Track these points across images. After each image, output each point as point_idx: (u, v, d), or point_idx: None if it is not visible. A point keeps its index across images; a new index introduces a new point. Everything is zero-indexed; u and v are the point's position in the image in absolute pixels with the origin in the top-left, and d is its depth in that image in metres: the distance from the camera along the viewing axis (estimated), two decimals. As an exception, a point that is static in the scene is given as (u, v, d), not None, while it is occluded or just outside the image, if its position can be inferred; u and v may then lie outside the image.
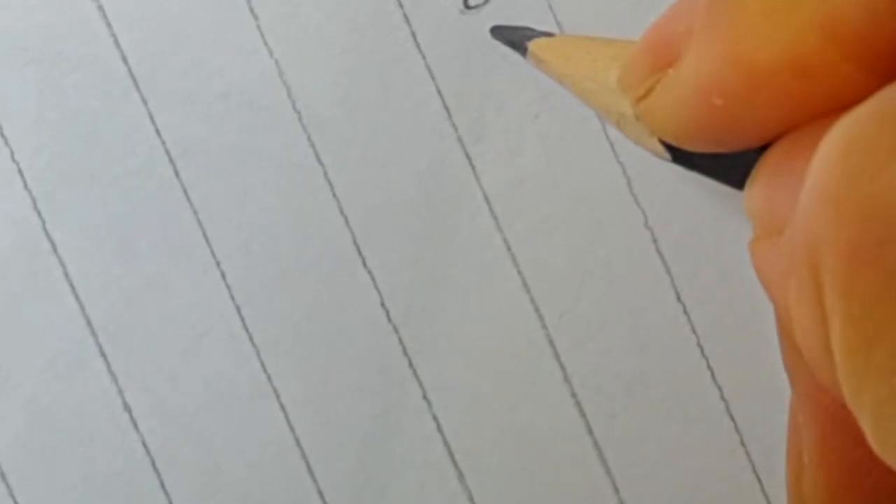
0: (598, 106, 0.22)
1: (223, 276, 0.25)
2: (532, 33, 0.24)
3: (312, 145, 0.25)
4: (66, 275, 0.25)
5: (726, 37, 0.18)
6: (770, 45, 0.17)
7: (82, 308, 0.25)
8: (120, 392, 0.25)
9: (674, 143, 0.20)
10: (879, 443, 0.15)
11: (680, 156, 0.21)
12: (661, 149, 0.21)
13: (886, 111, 0.15)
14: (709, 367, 0.25)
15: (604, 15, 0.24)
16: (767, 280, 0.18)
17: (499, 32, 0.24)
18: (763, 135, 0.18)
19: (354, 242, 0.25)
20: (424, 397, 0.25)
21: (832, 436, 0.19)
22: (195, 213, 0.25)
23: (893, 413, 0.14)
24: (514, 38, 0.24)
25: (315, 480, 0.25)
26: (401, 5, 0.24)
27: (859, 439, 0.15)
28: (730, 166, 0.20)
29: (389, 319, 0.25)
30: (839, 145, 0.15)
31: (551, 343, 0.25)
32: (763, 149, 0.19)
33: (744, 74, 0.17)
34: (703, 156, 0.20)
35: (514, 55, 0.24)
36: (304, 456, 0.25)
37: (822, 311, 0.15)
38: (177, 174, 0.25)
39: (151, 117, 0.24)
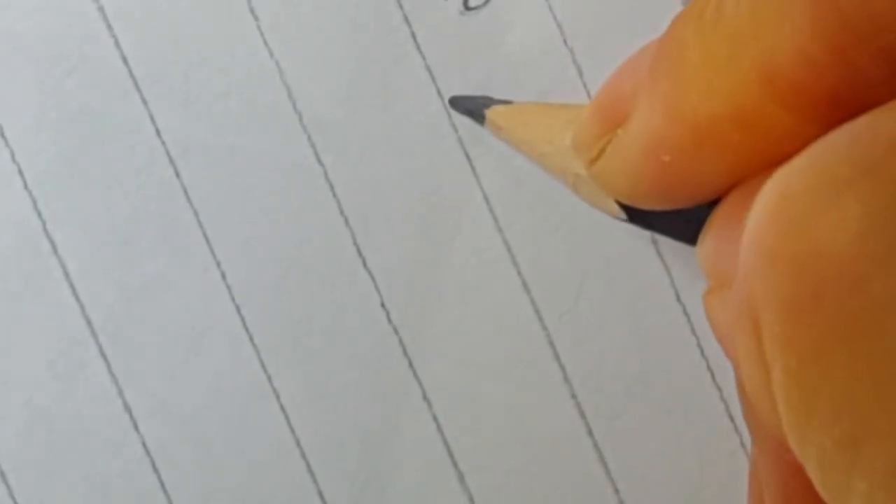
0: (554, 168, 0.23)
1: (223, 276, 0.25)
2: (490, 101, 0.24)
3: (312, 146, 0.25)
4: (67, 275, 0.25)
5: (669, 93, 0.18)
6: (711, 99, 0.17)
7: (82, 308, 0.25)
8: (120, 392, 0.25)
9: (627, 202, 0.20)
10: (827, 492, 0.15)
11: (635, 215, 0.21)
12: (616, 208, 0.21)
13: (818, 164, 0.15)
14: (709, 367, 0.25)
15: (603, 15, 0.24)
16: (719, 333, 0.18)
17: (457, 102, 0.24)
18: (712, 189, 0.18)
19: (354, 242, 0.25)
20: (424, 397, 0.25)
21: (793, 489, 0.19)
22: (195, 213, 0.25)
23: (838, 463, 0.14)
24: (472, 106, 0.24)
25: (315, 480, 0.25)
26: (401, 6, 0.24)
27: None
28: (684, 223, 0.20)
29: (389, 320, 0.25)
30: (773, 199, 0.15)
31: (551, 343, 0.25)
32: (715, 204, 0.19)
33: (688, 129, 0.18)
34: (657, 214, 0.20)
35: (513, 56, 0.24)
36: (304, 456, 0.25)
37: (765, 364, 0.15)
38: (177, 174, 0.25)
39: (151, 117, 0.24)
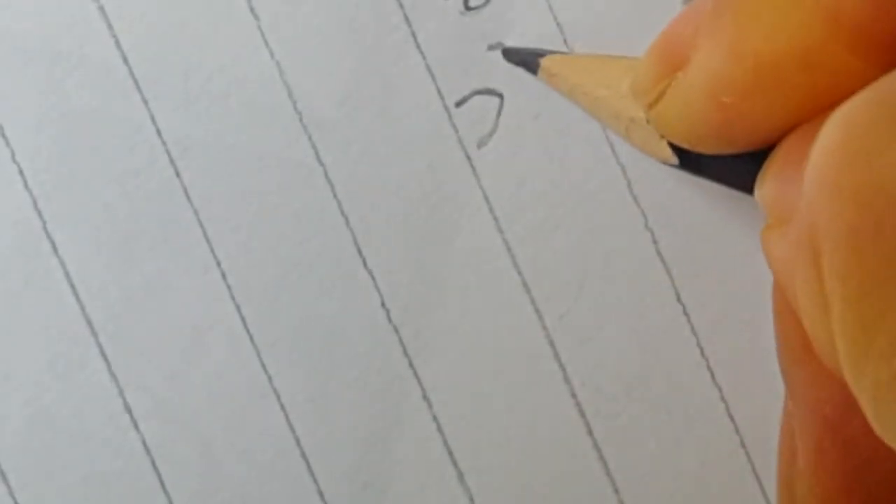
0: (608, 113, 0.23)
1: (223, 276, 0.25)
2: (544, 52, 0.24)
3: (313, 145, 0.25)
4: (67, 275, 0.25)
5: (732, 34, 0.18)
6: (775, 39, 0.17)
7: (82, 308, 0.25)
8: (120, 392, 0.25)
9: (685, 145, 0.20)
10: (880, 424, 0.15)
11: (688, 160, 0.21)
12: (669, 153, 0.21)
13: (884, 98, 0.15)
14: (709, 367, 0.25)
15: (603, 15, 0.24)
16: (776, 267, 0.18)
17: (509, 53, 0.24)
18: (772, 131, 0.18)
19: (354, 242, 0.25)
20: (424, 397, 0.25)
21: (828, 442, 0.19)
22: (195, 213, 0.25)
23: (893, 395, 0.14)
24: (526, 56, 0.24)
25: (315, 480, 0.25)
26: (401, 6, 0.24)
27: (855, 446, 0.15)
28: (736, 169, 0.20)
29: (389, 319, 0.25)
30: (838, 132, 0.15)
31: (551, 343, 0.25)
32: (769, 150, 0.19)
33: (750, 70, 0.18)
34: (710, 159, 0.20)
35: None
36: (304, 456, 0.25)
37: (824, 296, 0.15)
38: (177, 174, 0.25)
39: (151, 117, 0.24)
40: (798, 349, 0.20)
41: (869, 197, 0.14)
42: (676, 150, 0.21)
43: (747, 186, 0.20)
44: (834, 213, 0.15)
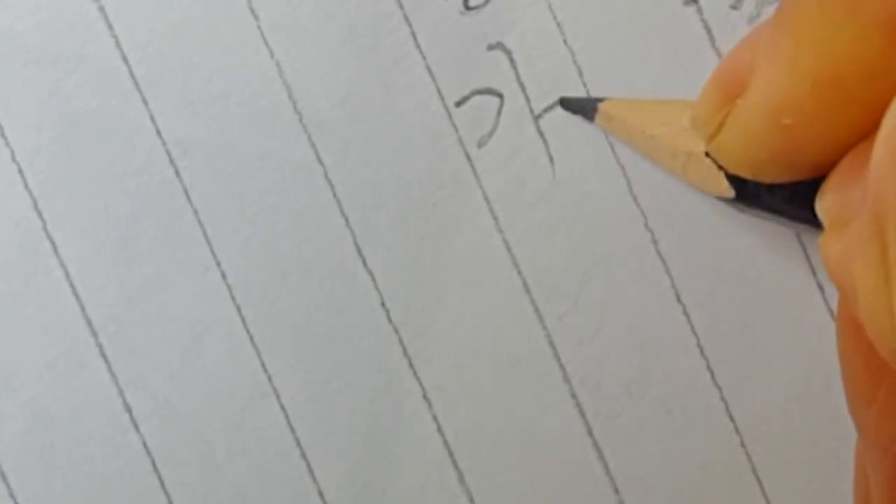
0: (664, 151, 0.23)
1: (223, 276, 0.25)
2: (602, 99, 0.24)
3: (313, 145, 0.25)
4: (67, 275, 0.25)
5: (789, 54, 0.18)
6: (833, 54, 0.17)
7: (82, 308, 0.25)
8: (120, 392, 0.25)
9: (747, 174, 0.20)
10: None
11: (745, 194, 0.21)
12: (726, 186, 0.21)
13: None
14: (709, 367, 0.25)
15: (603, 15, 0.24)
16: (834, 267, 0.18)
17: (567, 102, 0.24)
18: (834, 150, 0.18)
19: (354, 242, 0.25)
20: (424, 397, 0.25)
21: None
22: (195, 213, 0.25)
23: None
24: (584, 103, 0.24)
25: (315, 480, 0.25)
26: (401, 6, 0.24)
27: None
28: (792, 199, 0.20)
29: (389, 319, 0.25)
30: None
31: (551, 343, 0.25)
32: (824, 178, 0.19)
33: (809, 88, 0.17)
34: (769, 190, 0.20)
35: (513, 56, 0.24)
36: (304, 456, 0.25)
37: (888, 274, 0.15)
38: (177, 174, 0.25)
39: (151, 117, 0.24)
40: (866, 388, 0.20)
41: None
42: (733, 182, 0.21)
43: (804, 216, 0.20)
44: None
